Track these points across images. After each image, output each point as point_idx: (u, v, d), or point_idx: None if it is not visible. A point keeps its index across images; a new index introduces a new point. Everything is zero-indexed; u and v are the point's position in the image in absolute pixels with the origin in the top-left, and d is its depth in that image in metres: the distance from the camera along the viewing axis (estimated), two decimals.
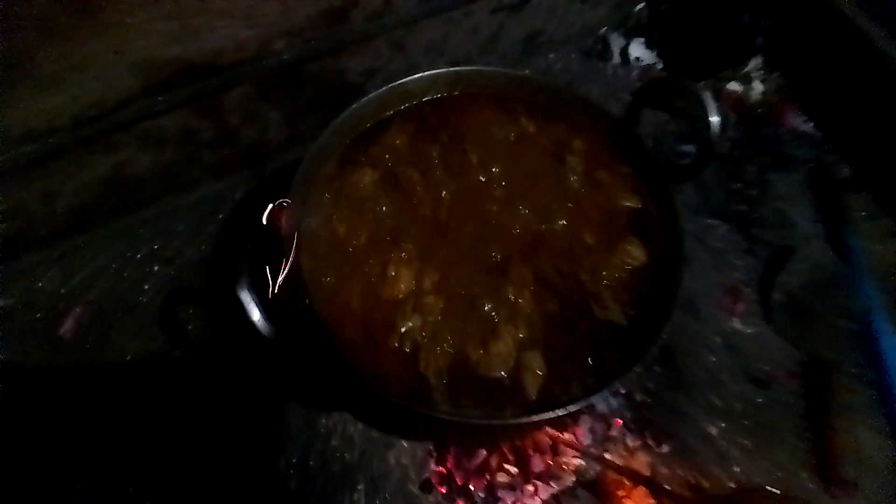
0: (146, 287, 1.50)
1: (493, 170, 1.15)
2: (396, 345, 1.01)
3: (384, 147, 1.15)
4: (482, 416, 0.95)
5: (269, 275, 0.95)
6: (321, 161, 1.12)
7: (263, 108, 1.50)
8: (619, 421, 1.42)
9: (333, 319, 1.01)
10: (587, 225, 1.11)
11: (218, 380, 1.39)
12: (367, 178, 1.11)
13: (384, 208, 1.10)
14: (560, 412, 0.95)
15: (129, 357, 1.43)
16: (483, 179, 1.15)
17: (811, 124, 1.77)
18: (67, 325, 1.45)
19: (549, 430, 1.34)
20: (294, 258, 1.03)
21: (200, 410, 1.37)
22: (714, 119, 0.99)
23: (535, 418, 0.95)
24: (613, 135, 1.16)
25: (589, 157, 1.16)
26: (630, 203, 1.12)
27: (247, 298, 0.86)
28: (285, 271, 0.95)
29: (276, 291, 1.00)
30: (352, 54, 1.48)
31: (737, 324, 1.53)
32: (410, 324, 1.02)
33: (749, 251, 1.61)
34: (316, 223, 1.07)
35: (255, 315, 0.87)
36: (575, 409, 0.96)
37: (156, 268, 1.52)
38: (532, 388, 1.00)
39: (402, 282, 1.04)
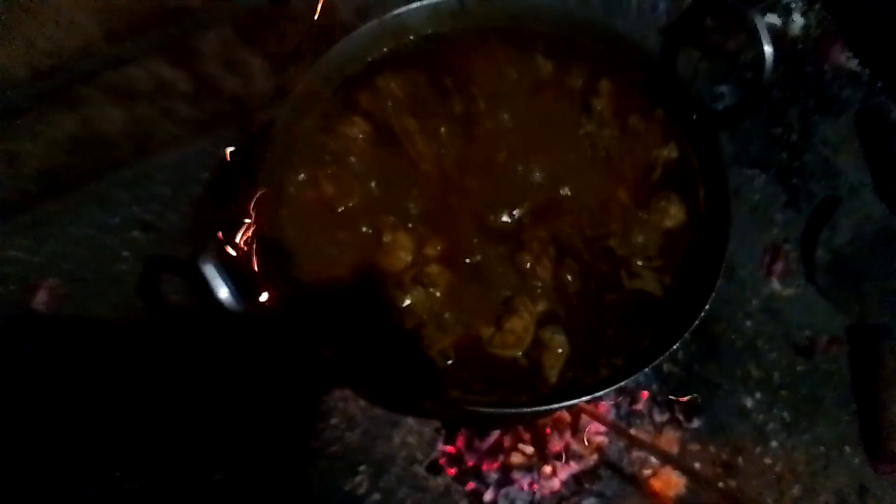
0: (125, 255, 1.39)
1: (506, 118, 1.00)
2: (396, 322, 0.88)
3: (377, 93, 1.00)
4: (494, 404, 0.83)
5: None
6: (304, 111, 0.97)
7: (245, 54, 1.36)
8: (646, 394, 1.31)
9: (322, 294, 0.88)
10: (616, 180, 0.97)
11: (205, 356, 1.29)
12: (357, 129, 0.96)
13: (379, 165, 0.96)
14: (584, 399, 0.82)
15: (108, 331, 1.33)
16: (493, 129, 0.99)
17: (858, 61, 1.60)
18: (41, 298, 1.34)
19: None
20: (275, 224, 0.89)
21: (187, 389, 1.27)
22: (769, 51, 0.83)
23: (556, 406, 0.82)
24: (646, 75, 1.00)
25: (618, 101, 1.01)
26: (666, 153, 0.97)
27: (212, 273, 0.72)
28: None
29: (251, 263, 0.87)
30: None
31: (776, 285, 1.42)
32: (411, 298, 0.89)
33: (790, 204, 1.48)
34: (300, 183, 0.93)
35: (223, 292, 0.73)
36: (601, 394, 0.82)
37: (135, 234, 1.40)
38: (552, 370, 0.87)
39: (401, 249, 0.90)
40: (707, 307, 0.85)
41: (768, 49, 0.85)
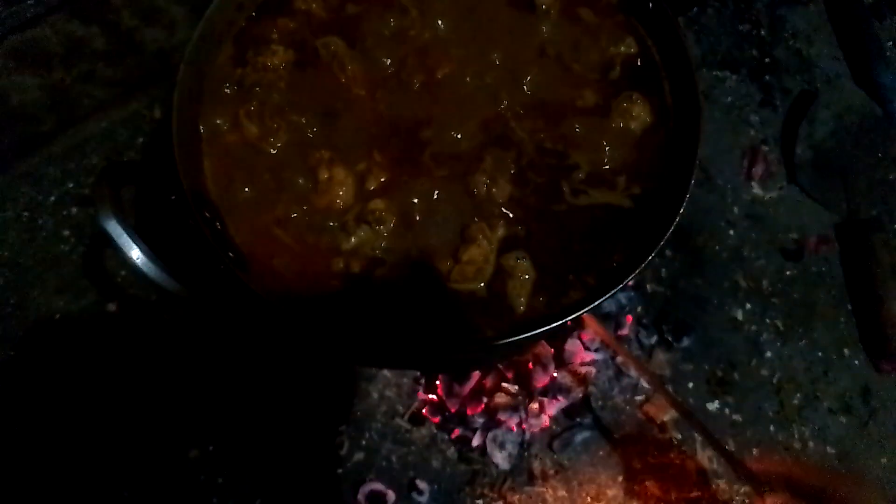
0: (66, 234, 1.31)
1: (443, 27, 0.91)
2: (342, 267, 0.80)
3: (297, 16, 0.90)
4: (457, 346, 0.75)
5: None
6: (214, 44, 0.86)
7: (162, 1, 1.23)
8: (630, 318, 1.24)
9: (256, 245, 0.80)
10: (571, 83, 0.89)
11: (161, 332, 1.21)
12: (278, 58, 0.86)
13: (306, 94, 0.86)
14: (556, 325, 0.74)
15: (57, 317, 1.25)
16: (431, 41, 0.90)
17: None
18: None
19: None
20: (195, 175, 0.80)
21: (144, 368, 1.20)
22: None
23: (524, 336, 0.74)
24: None
25: None
26: (624, 48, 0.88)
27: (116, 230, 0.63)
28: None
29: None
30: None
31: (757, 189, 1.35)
32: (356, 239, 0.81)
33: (765, 103, 1.40)
34: (219, 126, 0.83)
35: (135, 252, 0.64)
36: (573, 318, 0.75)
37: (74, 211, 1.32)
38: (518, 299, 0.80)
39: (340, 186, 0.82)
40: (682, 212, 0.77)
41: None
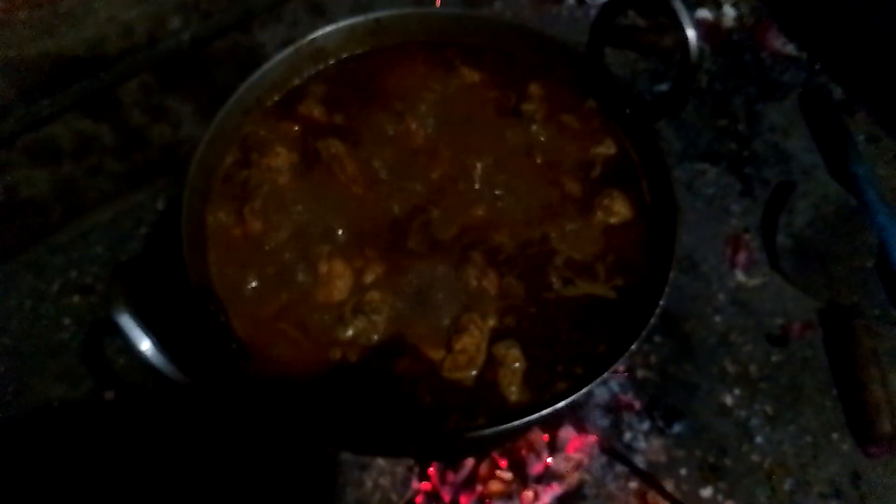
0: (66, 323, 1.32)
1: (436, 132, 0.97)
2: (340, 356, 0.83)
3: (299, 120, 0.96)
4: (450, 436, 0.77)
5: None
6: (222, 146, 0.92)
7: (170, 101, 1.31)
8: (622, 404, 1.25)
9: (258, 336, 0.83)
10: (555, 183, 0.94)
11: (157, 422, 1.21)
12: (281, 160, 0.92)
13: (307, 193, 0.92)
14: (546, 413, 0.77)
15: (55, 405, 1.25)
16: (424, 145, 0.96)
17: (794, 45, 1.60)
18: None
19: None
20: (202, 268, 0.84)
21: (139, 460, 1.19)
22: (691, 32, 0.81)
23: (517, 423, 0.77)
24: (575, 73, 0.98)
25: (549, 102, 0.98)
26: (604, 150, 0.94)
27: (128, 324, 0.66)
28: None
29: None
30: (263, 25, 1.28)
31: (741, 276, 1.38)
32: (353, 330, 0.84)
33: (745, 193, 1.45)
34: (224, 222, 0.88)
35: (145, 344, 0.67)
36: (563, 405, 0.77)
37: (75, 299, 1.34)
38: (510, 387, 0.83)
39: (339, 279, 0.86)
40: (662, 302, 0.81)
41: (690, 32, 0.83)
